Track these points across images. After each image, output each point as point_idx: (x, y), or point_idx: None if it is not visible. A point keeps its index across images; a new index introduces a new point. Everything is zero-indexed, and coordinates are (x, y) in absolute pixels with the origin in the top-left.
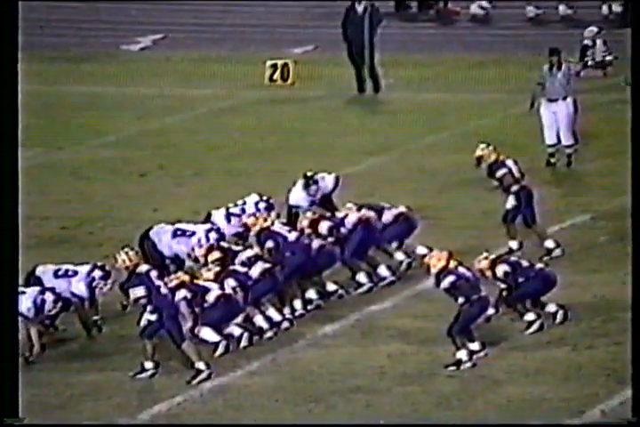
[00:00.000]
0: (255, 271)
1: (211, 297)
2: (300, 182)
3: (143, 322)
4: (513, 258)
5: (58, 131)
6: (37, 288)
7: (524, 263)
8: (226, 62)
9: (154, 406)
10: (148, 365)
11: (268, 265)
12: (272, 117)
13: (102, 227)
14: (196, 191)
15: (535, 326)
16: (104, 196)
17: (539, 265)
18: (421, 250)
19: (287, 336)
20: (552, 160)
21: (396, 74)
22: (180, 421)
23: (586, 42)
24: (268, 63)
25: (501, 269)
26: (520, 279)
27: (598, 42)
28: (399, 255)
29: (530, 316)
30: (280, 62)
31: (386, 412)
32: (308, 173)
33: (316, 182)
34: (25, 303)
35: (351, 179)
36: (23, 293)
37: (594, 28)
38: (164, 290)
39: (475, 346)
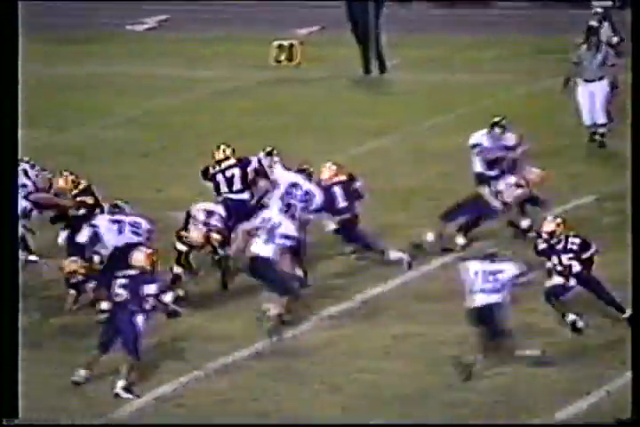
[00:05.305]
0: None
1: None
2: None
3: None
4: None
5: (62, 112)
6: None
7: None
8: (231, 43)
9: (159, 387)
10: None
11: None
12: (277, 98)
13: None
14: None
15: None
16: (108, 176)
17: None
18: (431, 236)
19: (293, 317)
20: (596, 138)
21: (402, 54)
22: (185, 402)
23: (592, 23)
24: (274, 44)
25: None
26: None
27: (605, 23)
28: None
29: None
30: (286, 43)
31: (391, 393)
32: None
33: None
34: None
35: (356, 159)
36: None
37: (598, 9)
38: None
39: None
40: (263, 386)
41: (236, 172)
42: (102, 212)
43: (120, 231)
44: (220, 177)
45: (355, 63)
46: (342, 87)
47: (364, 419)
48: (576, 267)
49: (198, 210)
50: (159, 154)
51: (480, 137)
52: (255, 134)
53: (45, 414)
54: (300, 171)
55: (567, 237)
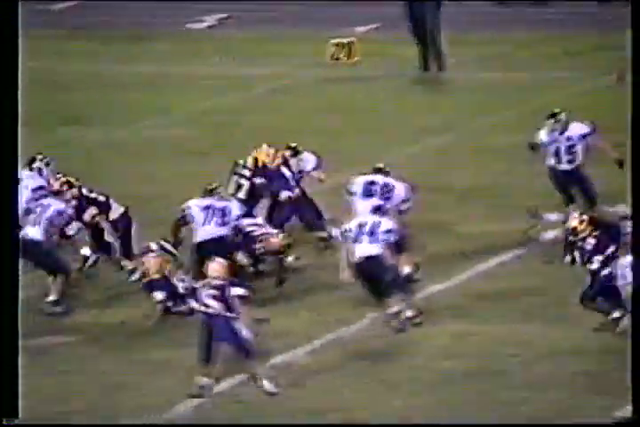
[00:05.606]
0: None
1: None
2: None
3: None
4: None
5: (120, 110)
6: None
7: None
8: (289, 41)
9: (218, 383)
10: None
11: None
12: (334, 96)
13: (166, 206)
14: None
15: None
16: (166, 174)
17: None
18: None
19: (351, 315)
20: None
21: (460, 52)
22: (241, 399)
23: None
24: (332, 41)
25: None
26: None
27: None
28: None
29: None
30: (345, 41)
31: (449, 391)
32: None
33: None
34: None
35: (412, 158)
36: None
37: None
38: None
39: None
40: (320, 384)
41: (246, 184)
42: (108, 207)
43: (205, 221)
44: (233, 179)
45: (413, 61)
46: (400, 85)
47: (422, 418)
48: (593, 265)
49: (249, 225)
50: (218, 152)
51: (541, 132)
52: (312, 133)
53: (47, 414)
54: (377, 170)
55: (586, 237)
